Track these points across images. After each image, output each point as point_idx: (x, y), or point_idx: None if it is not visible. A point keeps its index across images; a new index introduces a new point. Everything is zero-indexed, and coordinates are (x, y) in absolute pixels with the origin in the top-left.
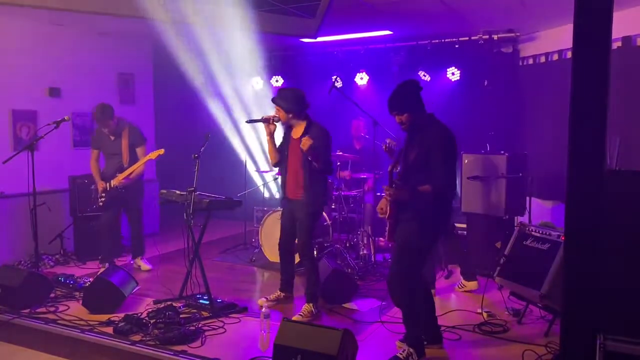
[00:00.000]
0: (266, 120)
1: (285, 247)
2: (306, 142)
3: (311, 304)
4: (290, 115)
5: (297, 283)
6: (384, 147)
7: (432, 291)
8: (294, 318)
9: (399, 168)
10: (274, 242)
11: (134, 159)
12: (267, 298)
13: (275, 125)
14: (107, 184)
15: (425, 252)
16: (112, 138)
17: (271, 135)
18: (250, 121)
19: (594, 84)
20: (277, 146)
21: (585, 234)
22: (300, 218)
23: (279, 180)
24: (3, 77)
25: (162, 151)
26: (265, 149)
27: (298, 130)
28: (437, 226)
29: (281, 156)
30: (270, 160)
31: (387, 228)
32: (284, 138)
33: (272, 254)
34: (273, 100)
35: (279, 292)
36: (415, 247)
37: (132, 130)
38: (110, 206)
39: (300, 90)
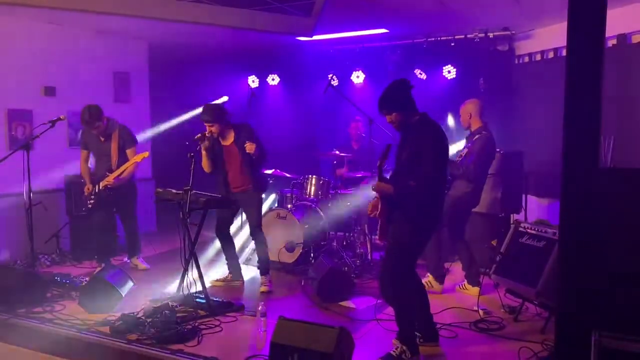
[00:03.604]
0: (201, 139)
1: (224, 234)
2: (251, 147)
3: (264, 276)
4: (224, 125)
5: (290, 280)
6: None
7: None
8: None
9: (387, 164)
10: (271, 241)
11: (123, 161)
12: (217, 279)
13: (209, 141)
14: (96, 186)
15: (416, 250)
16: (102, 139)
17: (207, 149)
18: (192, 141)
19: (588, 81)
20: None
21: (579, 231)
22: (253, 205)
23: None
24: None
25: (146, 154)
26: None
27: (228, 137)
28: (428, 224)
29: (216, 163)
30: (206, 169)
31: (378, 227)
32: (214, 148)
33: (269, 252)
34: (205, 120)
35: (228, 274)
36: (406, 245)
37: (123, 131)
38: (101, 207)
39: (218, 104)
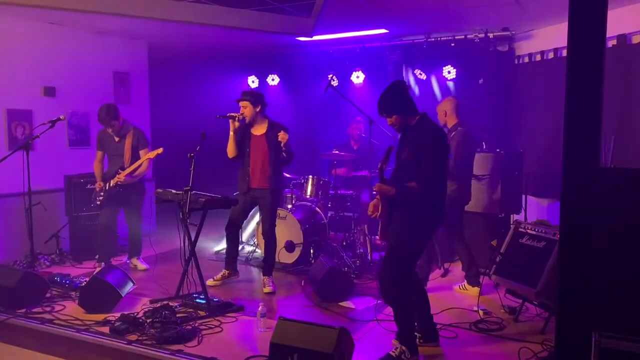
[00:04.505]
0: (232, 117)
1: (234, 230)
2: (284, 136)
3: (268, 277)
4: (258, 110)
5: (290, 280)
6: None
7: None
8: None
9: (387, 166)
10: None
11: (135, 161)
12: (213, 278)
13: (239, 123)
14: (107, 184)
15: (417, 250)
16: (117, 139)
17: (235, 131)
18: (220, 116)
19: (588, 82)
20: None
21: (580, 231)
22: (266, 205)
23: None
24: None
25: (160, 150)
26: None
27: (260, 128)
28: (428, 225)
29: (241, 151)
30: (229, 154)
31: (379, 227)
32: (243, 136)
33: None
34: (242, 99)
35: (224, 271)
36: (406, 245)
37: (137, 132)
38: (108, 205)
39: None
